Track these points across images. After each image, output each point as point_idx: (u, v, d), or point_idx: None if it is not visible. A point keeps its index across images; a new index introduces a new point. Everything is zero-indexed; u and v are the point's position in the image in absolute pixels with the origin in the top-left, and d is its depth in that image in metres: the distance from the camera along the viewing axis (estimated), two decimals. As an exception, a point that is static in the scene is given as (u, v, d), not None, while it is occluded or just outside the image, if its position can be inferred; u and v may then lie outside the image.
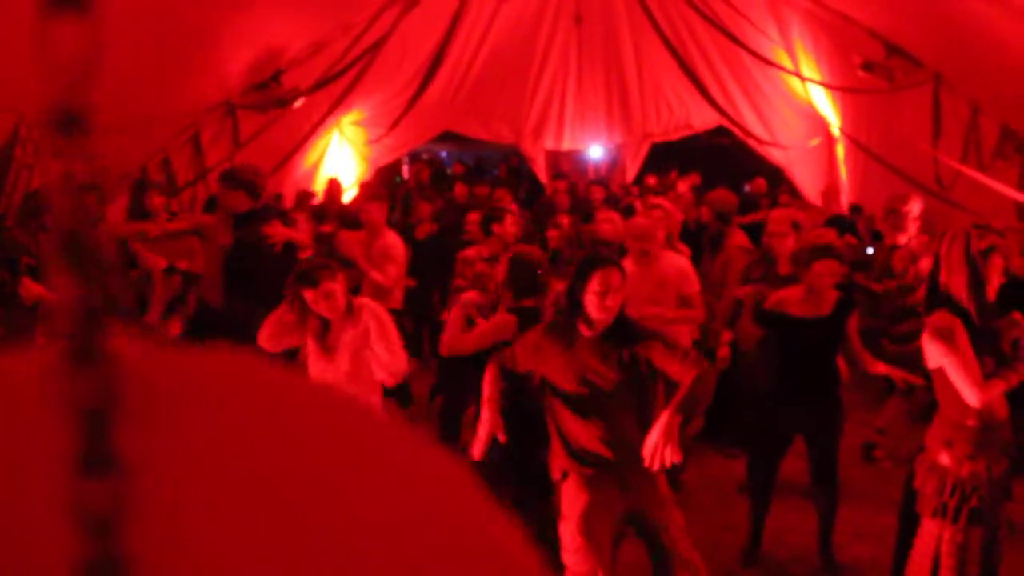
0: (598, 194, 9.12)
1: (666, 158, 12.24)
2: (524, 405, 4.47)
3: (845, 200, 10.13)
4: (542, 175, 12.43)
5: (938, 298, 3.43)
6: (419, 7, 9.20)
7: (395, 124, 10.53)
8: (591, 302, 3.15)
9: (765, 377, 4.51)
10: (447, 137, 12.73)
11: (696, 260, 6.00)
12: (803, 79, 9.48)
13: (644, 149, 12.30)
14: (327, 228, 6.86)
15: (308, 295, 3.73)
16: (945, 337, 3.30)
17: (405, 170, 15.13)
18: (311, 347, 3.91)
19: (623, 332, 3.23)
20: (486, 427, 3.36)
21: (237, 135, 8.69)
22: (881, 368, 4.43)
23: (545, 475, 3.53)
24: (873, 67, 7.82)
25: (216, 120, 8.46)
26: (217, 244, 5.18)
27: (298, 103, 8.93)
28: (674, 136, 12.10)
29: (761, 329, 4.52)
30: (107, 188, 6.57)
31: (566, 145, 12.68)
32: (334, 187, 9.34)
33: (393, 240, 5.90)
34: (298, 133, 9.59)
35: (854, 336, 4.39)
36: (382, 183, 10.41)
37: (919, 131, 7.58)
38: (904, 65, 7.74)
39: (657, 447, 3.02)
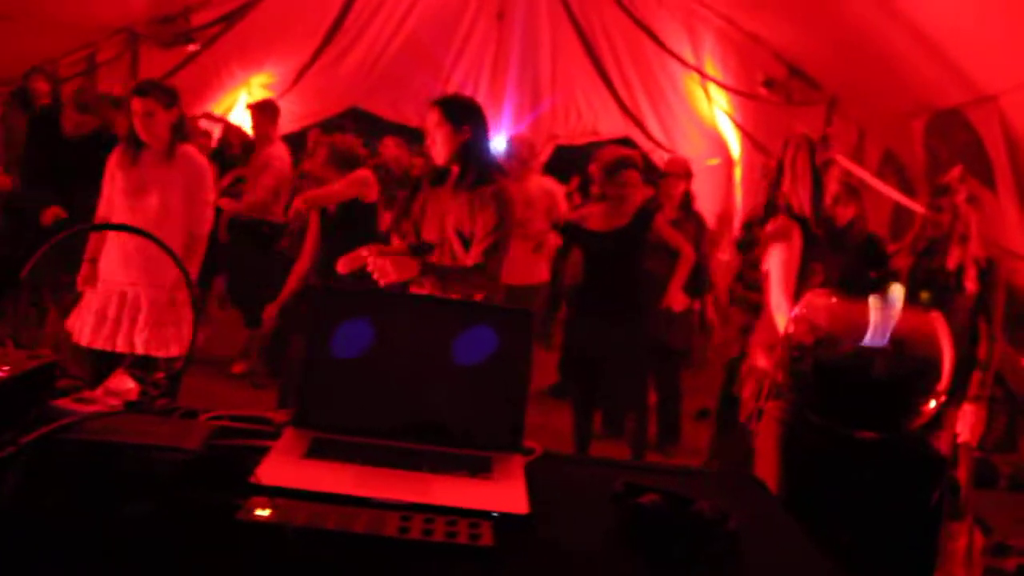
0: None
1: (568, 164, 12.30)
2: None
3: (738, 223, 10.38)
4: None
5: (777, 205, 3.46)
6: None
7: (296, 81, 10.32)
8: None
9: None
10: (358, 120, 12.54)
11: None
12: (705, 77, 9.72)
13: (548, 150, 12.34)
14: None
15: (135, 103, 3.74)
16: (781, 238, 3.32)
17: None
18: (119, 180, 3.85)
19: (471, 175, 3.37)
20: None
21: (135, 67, 8.36)
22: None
23: None
24: (773, 84, 8.13)
25: (115, 45, 8.13)
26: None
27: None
28: (579, 141, 12.16)
29: (565, 242, 4.74)
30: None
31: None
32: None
33: (277, 151, 5.92)
34: (197, 79, 9.27)
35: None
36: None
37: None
38: (802, 87, 8.08)
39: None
